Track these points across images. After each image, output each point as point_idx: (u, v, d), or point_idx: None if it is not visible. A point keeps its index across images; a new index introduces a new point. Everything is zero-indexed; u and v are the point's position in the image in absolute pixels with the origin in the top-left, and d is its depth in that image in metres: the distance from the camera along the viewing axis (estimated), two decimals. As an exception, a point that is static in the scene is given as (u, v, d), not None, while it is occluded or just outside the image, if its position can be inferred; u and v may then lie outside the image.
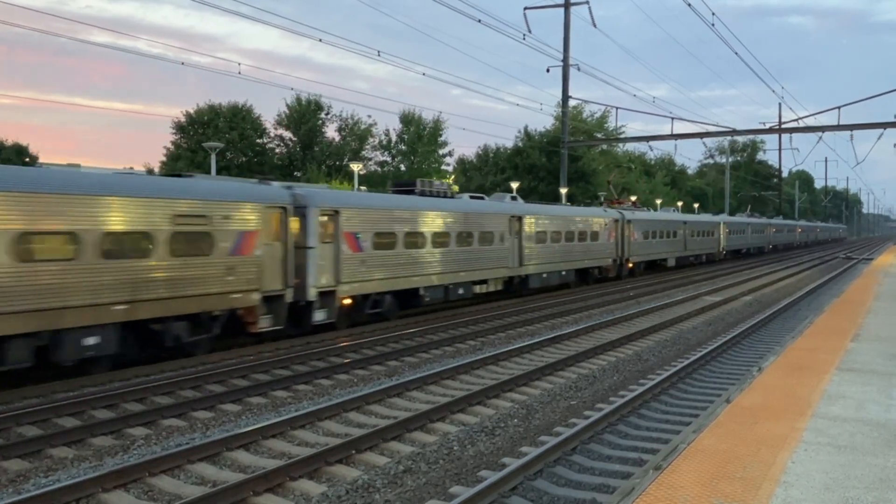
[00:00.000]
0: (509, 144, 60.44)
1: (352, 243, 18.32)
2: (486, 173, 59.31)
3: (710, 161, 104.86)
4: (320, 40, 29.85)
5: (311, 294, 17.03)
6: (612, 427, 10.20)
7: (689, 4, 29.90)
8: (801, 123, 43.12)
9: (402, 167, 52.60)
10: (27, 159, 44.66)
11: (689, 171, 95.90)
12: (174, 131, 47.23)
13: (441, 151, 54.06)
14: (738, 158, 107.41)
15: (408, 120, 52.55)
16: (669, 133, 42.00)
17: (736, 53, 64.03)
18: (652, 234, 39.49)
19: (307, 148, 50.23)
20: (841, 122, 37.55)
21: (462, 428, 10.18)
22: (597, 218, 33.02)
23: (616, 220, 34.75)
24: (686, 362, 14.20)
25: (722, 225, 54.13)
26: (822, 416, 7.97)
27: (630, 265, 36.51)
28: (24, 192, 11.80)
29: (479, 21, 30.52)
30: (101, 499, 7.69)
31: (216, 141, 35.25)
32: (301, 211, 16.91)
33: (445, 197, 23.79)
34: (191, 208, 14.30)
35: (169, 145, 47.64)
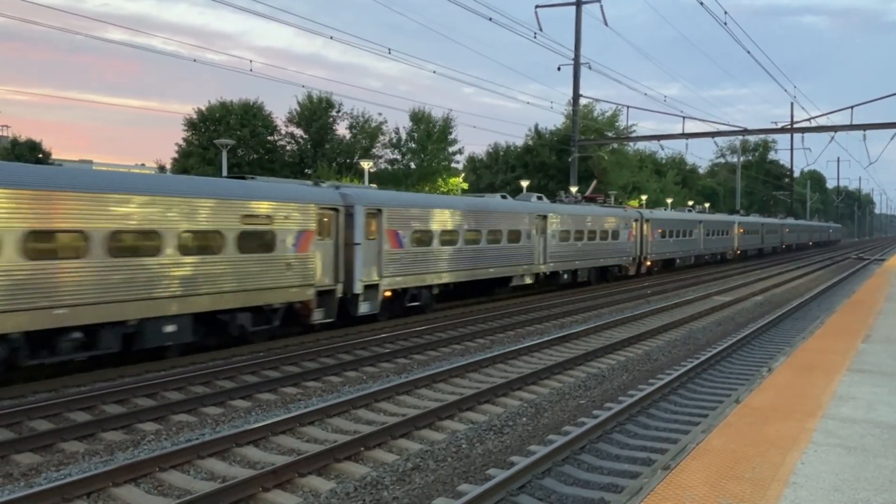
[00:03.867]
0: (520, 143, 60.43)
1: (652, 234, 37.27)
2: (496, 171, 59.29)
3: (722, 160, 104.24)
4: (331, 38, 29.97)
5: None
6: (620, 426, 10.19)
7: (702, 3, 29.72)
8: (814, 123, 42.80)
9: (412, 165, 52.60)
10: (40, 156, 44.89)
11: (700, 171, 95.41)
12: (186, 128, 47.36)
13: (451, 149, 54.00)
14: (750, 158, 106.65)
15: (418, 118, 52.55)
16: (681, 132, 41.84)
17: (748, 52, 63.50)
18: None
19: (318, 145, 50.30)
20: (854, 122, 37.35)
21: (471, 426, 10.20)
22: None
23: None
24: (696, 362, 14.17)
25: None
26: (832, 417, 7.94)
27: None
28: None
29: (491, 19, 30.63)
30: (112, 493, 7.76)
31: (227, 138, 35.30)
32: (639, 221, 35.90)
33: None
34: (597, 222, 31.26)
35: (181, 142, 47.77)
